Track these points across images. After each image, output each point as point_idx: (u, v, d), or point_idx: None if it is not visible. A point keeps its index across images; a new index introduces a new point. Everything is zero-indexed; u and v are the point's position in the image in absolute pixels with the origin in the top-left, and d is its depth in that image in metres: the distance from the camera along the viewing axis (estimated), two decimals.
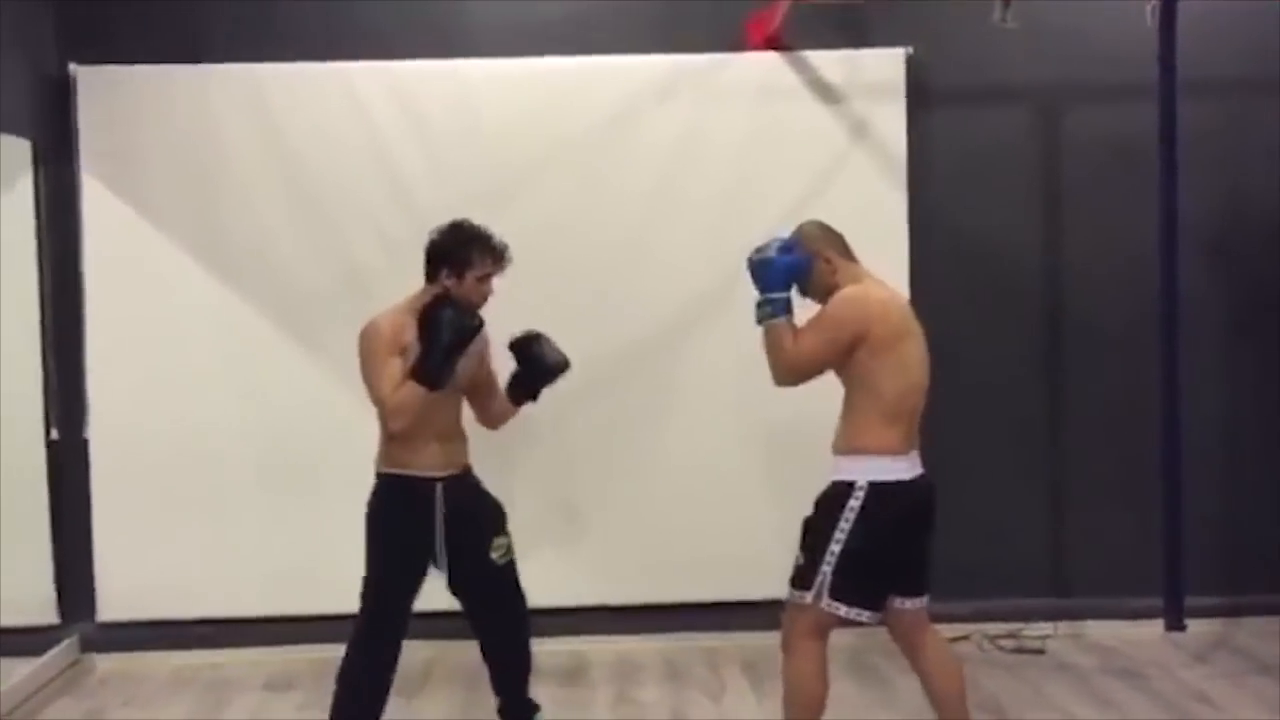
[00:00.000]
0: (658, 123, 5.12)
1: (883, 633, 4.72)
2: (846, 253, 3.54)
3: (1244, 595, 5.24)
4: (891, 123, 5.16)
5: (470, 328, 3.55)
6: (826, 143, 5.15)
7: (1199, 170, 4.94)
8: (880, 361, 3.35)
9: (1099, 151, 5.24)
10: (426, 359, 3.51)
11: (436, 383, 3.53)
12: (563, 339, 4.06)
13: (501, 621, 3.88)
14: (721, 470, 5.18)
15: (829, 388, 3.49)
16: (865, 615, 3.38)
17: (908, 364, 3.39)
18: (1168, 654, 4.89)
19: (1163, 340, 4.70)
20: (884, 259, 5.09)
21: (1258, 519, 5.31)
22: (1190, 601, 4.83)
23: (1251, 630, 5.14)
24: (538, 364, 3.85)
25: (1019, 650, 5.02)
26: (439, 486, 3.70)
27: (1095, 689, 4.55)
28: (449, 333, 3.50)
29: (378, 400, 3.59)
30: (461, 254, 3.63)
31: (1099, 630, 5.19)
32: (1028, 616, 5.18)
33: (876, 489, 3.32)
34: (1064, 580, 5.31)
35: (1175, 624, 4.83)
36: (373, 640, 3.75)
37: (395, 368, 3.55)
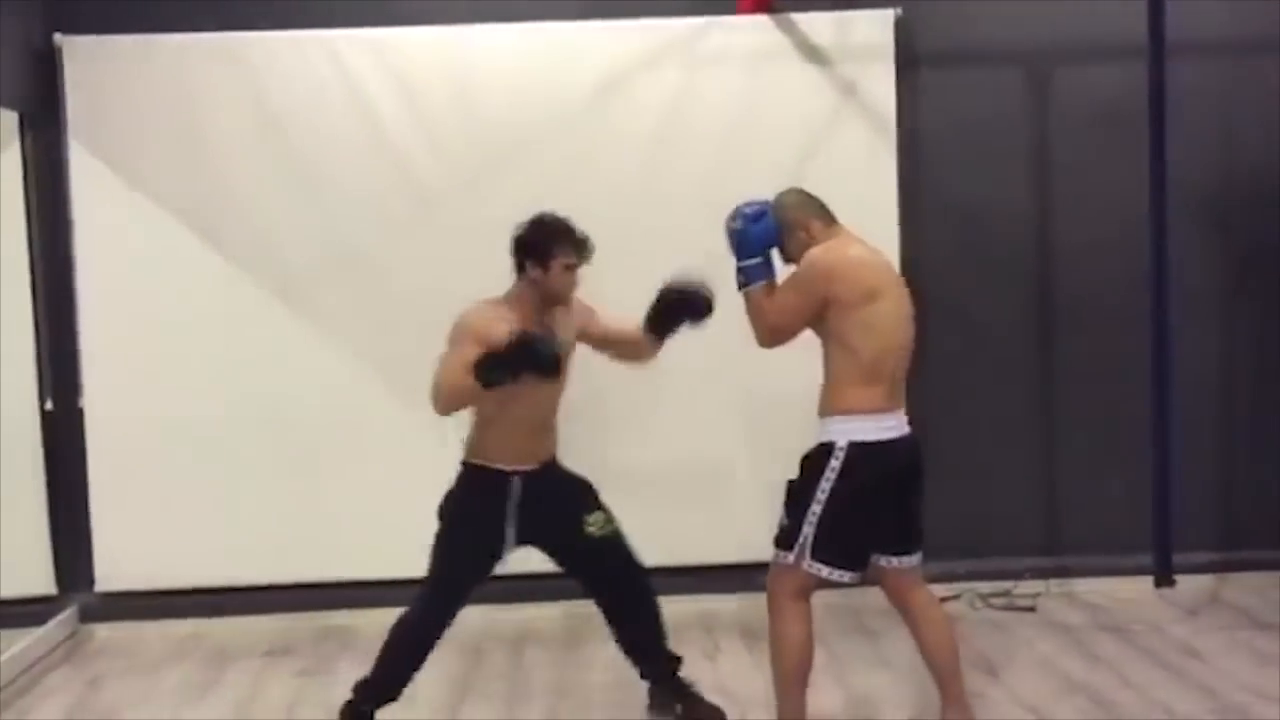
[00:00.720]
0: (648, 87, 5.10)
1: (877, 592, 4.77)
2: (827, 217, 3.56)
3: (1233, 551, 5.29)
4: (881, 85, 5.16)
5: (546, 367, 3.52)
6: (816, 105, 5.14)
7: (1189, 131, 4.95)
8: (850, 321, 3.36)
9: (1089, 113, 5.24)
10: (489, 367, 3.50)
11: (488, 385, 3.52)
12: None
13: (624, 591, 3.90)
14: (717, 434, 5.20)
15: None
16: (847, 576, 3.41)
17: (880, 324, 3.39)
18: (1158, 610, 4.94)
19: (1153, 299, 4.73)
20: (873, 221, 5.10)
21: (1246, 476, 5.35)
22: (1179, 558, 4.88)
23: (1240, 585, 5.19)
24: (688, 313, 3.85)
25: (1010, 608, 5.07)
26: (515, 480, 3.73)
27: (1086, 645, 4.60)
28: (523, 362, 3.50)
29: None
30: (544, 246, 3.69)
31: (1090, 587, 5.24)
32: (1019, 575, 5.23)
33: (857, 449, 3.34)
34: (1055, 538, 5.35)
35: (1165, 580, 4.88)
36: (428, 617, 3.85)
37: (465, 356, 3.54)
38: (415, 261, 5.11)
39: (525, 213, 4.81)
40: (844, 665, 4.43)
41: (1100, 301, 5.27)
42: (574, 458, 4.43)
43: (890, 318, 3.42)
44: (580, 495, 3.86)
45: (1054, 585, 5.23)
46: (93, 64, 5.01)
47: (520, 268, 3.75)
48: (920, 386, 5.14)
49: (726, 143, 5.10)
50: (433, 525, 5.17)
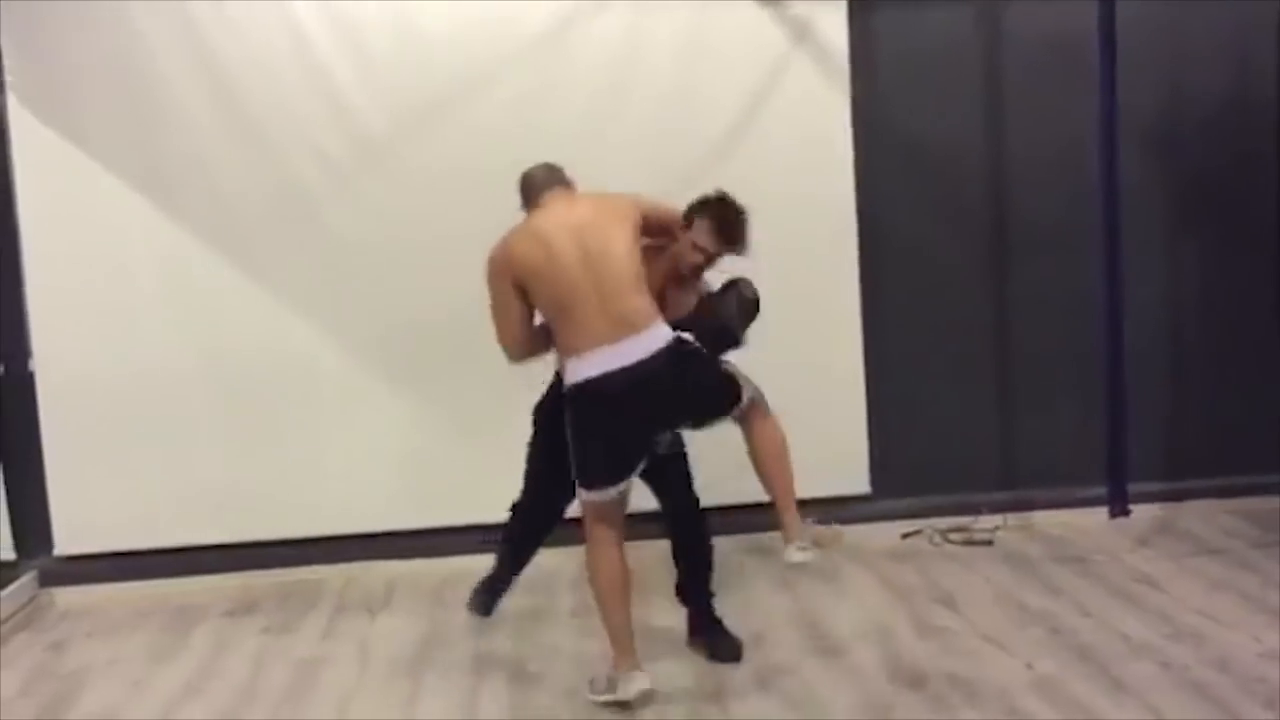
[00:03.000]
0: (597, 29, 5.04)
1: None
2: (537, 192, 3.75)
3: (1185, 480, 5.39)
4: (833, 23, 5.13)
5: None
6: (768, 45, 5.11)
7: (1137, 65, 4.96)
8: (535, 291, 3.58)
9: (1040, 48, 5.24)
10: None
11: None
12: None
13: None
14: None
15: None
16: (611, 491, 3.62)
17: (556, 280, 3.54)
18: (1113, 540, 5.03)
19: (1103, 233, 4.77)
20: (827, 160, 5.16)
21: (1197, 406, 5.43)
22: (1133, 488, 4.96)
23: (1192, 513, 5.30)
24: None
25: (969, 543, 5.14)
26: None
27: (1044, 577, 4.67)
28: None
29: None
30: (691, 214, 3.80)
31: (1046, 520, 5.31)
32: (976, 510, 5.30)
33: (573, 390, 3.59)
34: (1011, 473, 5.41)
35: (1119, 510, 4.96)
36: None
37: None
38: (365, 211, 5.06)
39: (476, 156, 4.78)
40: (805, 603, 4.49)
41: (1051, 235, 5.30)
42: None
43: (562, 270, 3.54)
44: None
45: (1011, 519, 5.30)
46: (31, 24, 4.89)
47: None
48: (874, 322, 5.22)
49: (678, 85, 5.07)
50: (393, 477, 5.19)
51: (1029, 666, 3.80)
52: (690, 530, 4.05)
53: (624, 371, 3.51)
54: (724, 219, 3.76)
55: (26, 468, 5.04)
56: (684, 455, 4.00)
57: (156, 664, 4.33)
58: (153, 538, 5.09)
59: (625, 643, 3.66)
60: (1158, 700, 3.50)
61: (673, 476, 3.98)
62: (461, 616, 4.33)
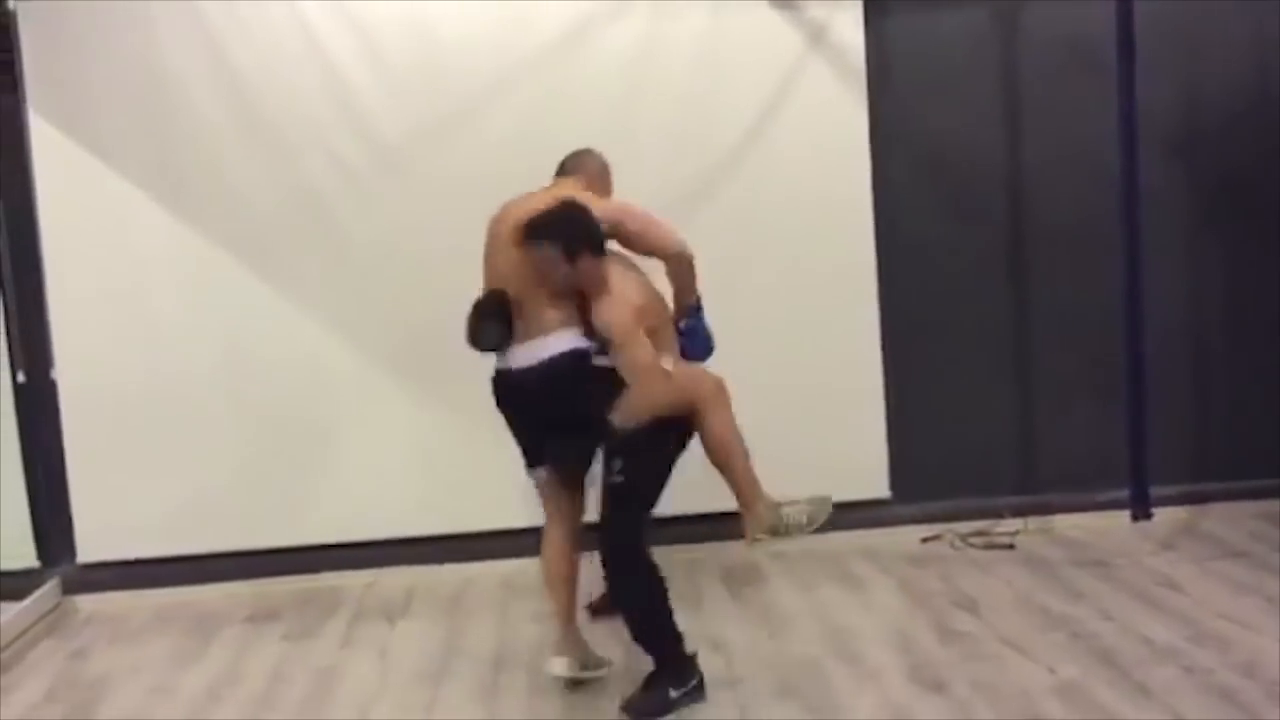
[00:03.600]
0: (613, 34, 5.05)
1: (861, 539, 4.82)
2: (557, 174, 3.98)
3: (1208, 483, 5.35)
4: (849, 26, 5.12)
5: None
6: (784, 49, 5.10)
7: (1156, 66, 4.93)
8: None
9: (1057, 50, 5.22)
10: None
11: None
12: None
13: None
14: None
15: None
16: (532, 473, 3.87)
17: (493, 262, 3.74)
18: (1135, 543, 4.99)
19: (1124, 235, 4.74)
20: (844, 163, 5.15)
21: (1220, 408, 5.39)
22: (1155, 491, 4.93)
23: (1215, 516, 5.25)
24: None
25: (990, 547, 5.11)
26: None
27: (1065, 580, 4.64)
28: None
29: None
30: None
31: (1067, 523, 5.28)
32: (997, 514, 5.27)
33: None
34: (1032, 476, 5.39)
35: (1141, 513, 4.93)
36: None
37: None
38: (383, 216, 5.08)
39: (492, 161, 4.77)
40: (830, 611, 4.48)
41: (1071, 236, 5.27)
42: None
43: (497, 266, 3.71)
44: None
45: (1032, 522, 5.26)
46: (50, 28, 4.92)
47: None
48: (892, 325, 5.21)
49: (694, 87, 5.07)
50: (413, 483, 5.18)
51: (1051, 671, 3.77)
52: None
53: (508, 373, 3.70)
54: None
55: (49, 476, 5.08)
56: (627, 496, 3.68)
57: (178, 670, 4.34)
58: (174, 545, 5.12)
59: (559, 623, 3.86)
60: (1181, 705, 3.47)
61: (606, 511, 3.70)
62: (481, 621, 4.33)
